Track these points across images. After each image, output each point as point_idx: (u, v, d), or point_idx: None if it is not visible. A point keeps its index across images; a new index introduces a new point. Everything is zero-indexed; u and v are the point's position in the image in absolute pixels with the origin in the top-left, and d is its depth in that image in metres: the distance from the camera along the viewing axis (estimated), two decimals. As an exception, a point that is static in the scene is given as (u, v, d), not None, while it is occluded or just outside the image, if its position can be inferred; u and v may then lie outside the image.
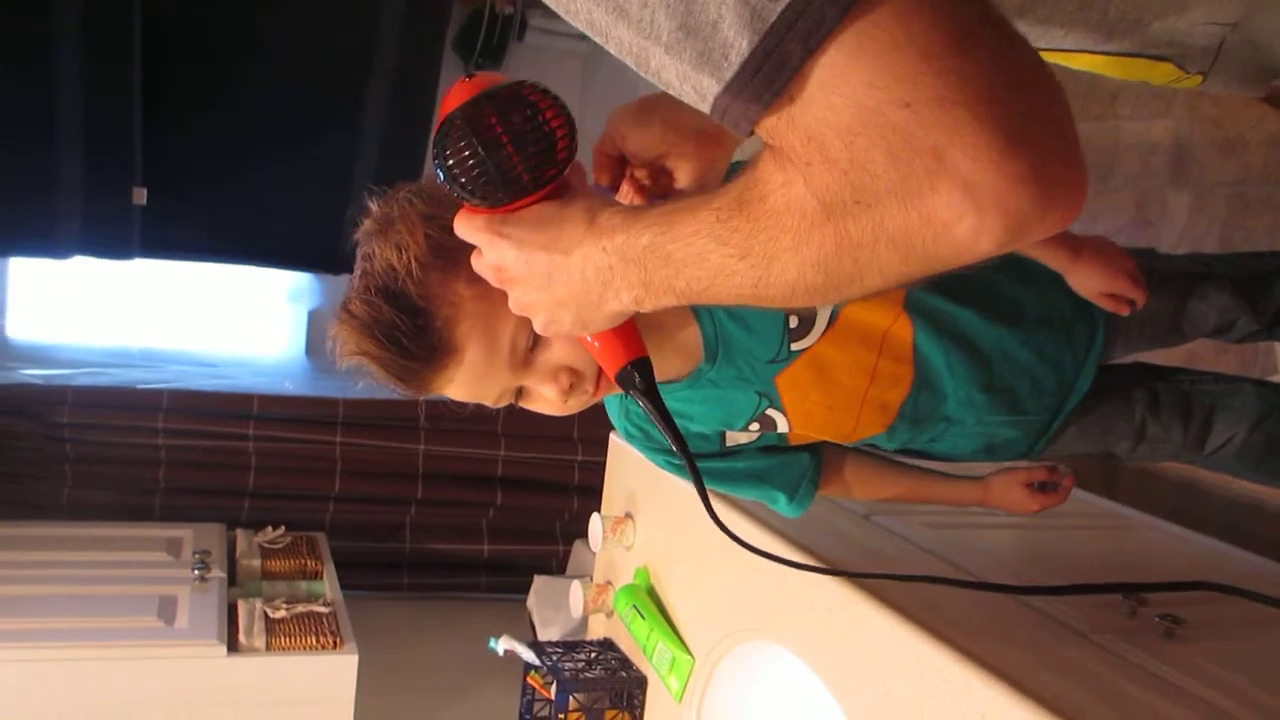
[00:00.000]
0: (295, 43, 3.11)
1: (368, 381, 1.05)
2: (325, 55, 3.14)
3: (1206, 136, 2.54)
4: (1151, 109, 2.67)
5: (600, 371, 1.05)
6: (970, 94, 0.50)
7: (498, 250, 0.78)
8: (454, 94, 0.76)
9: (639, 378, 0.87)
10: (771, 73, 0.52)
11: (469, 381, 1.03)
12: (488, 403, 1.06)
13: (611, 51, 0.58)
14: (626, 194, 0.96)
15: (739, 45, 0.52)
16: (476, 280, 0.89)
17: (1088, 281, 1.28)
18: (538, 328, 0.80)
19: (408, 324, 0.98)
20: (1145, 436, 1.40)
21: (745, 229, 0.60)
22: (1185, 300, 1.42)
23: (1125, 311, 1.30)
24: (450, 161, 0.74)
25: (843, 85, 0.51)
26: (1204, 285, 1.42)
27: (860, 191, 0.53)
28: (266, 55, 3.10)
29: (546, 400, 1.06)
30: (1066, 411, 1.35)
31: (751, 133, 0.56)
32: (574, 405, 1.07)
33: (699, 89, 0.55)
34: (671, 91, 0.58)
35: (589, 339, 0.87)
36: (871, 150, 0.51)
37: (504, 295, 0.96)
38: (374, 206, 1.04)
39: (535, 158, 0.74)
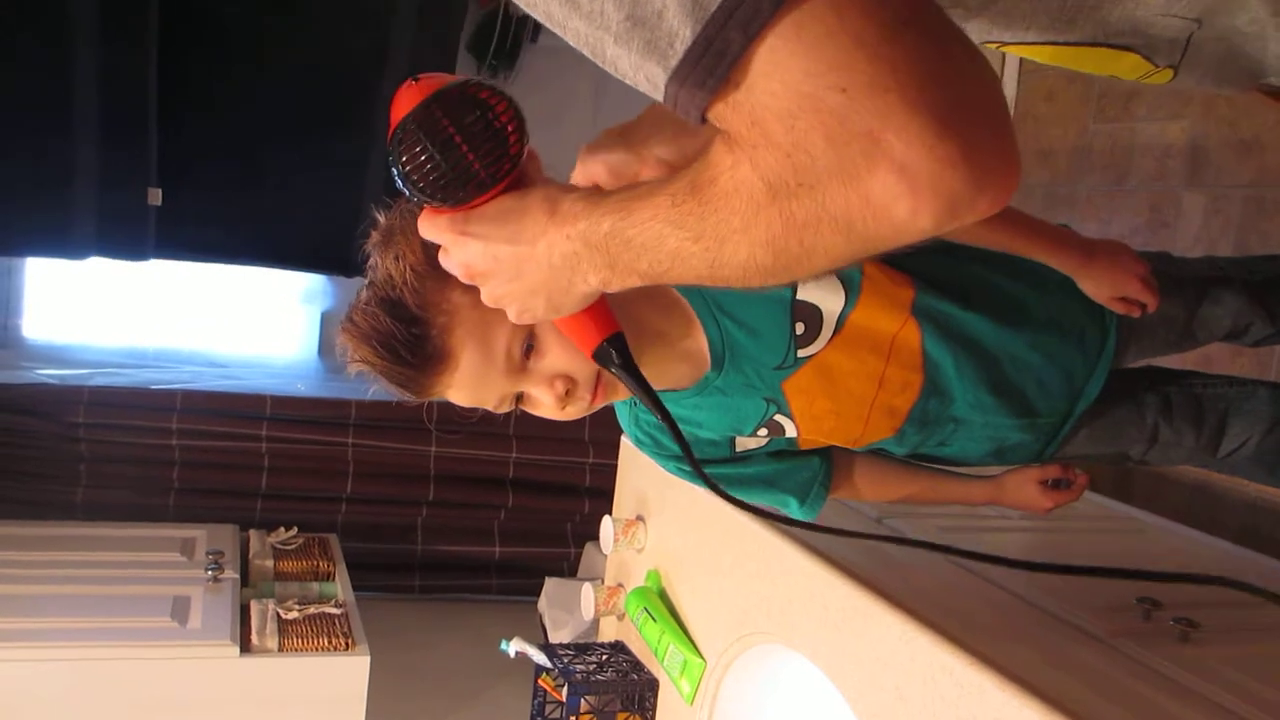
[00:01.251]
0: (309, 44, 3.12)
1: (378, 390, 1.09)
2: (339, 57, 3.14)
3: (1222, 138, 2.53)
4: (1167, 110, 2.66)
5: (597, 379, 1.07)
6: (902, 80, 0.52)
7: (464, 249, 0.80)
8: (402, 98, 0.77)
9: (615, 353, 0.88)
10: (714, 60, 0.54)
11: (466, 387, 1.06)
12: (489, 407, 1.09)
13: (570, 42, 0.60)
14: None
15: (683, 34, 0.54)
16: (472, 289, 0.90)
17: (1100, 285, 1.27)
18: (512, 317, 0.82)
19: (404, 333, 1.01)
20: (1157, 440, 1.39)
21: (698, 212, 0.62)
22: (1199, 304, 1.41)
23: (1137, 314, 1.29)
24: (408, 167, 0.76)
25: (782, 72, 0.53)
26: (1218, 289, 1.41)
27: (802, 173, 0.55)
28: (281, 57, 3.10)
29: (545, 405, 1.08)
30: (1077, 415, 1.34)
31: (703, 120, 0.58)
32: (572, 412, 1.09)
33: (650, 78, 0.57)
34: (627, 80, 0.59)
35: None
36: (811, 133, 0.53)
37: None
38: (380, 219, 1.07)
39: (489, 154, 0.76)
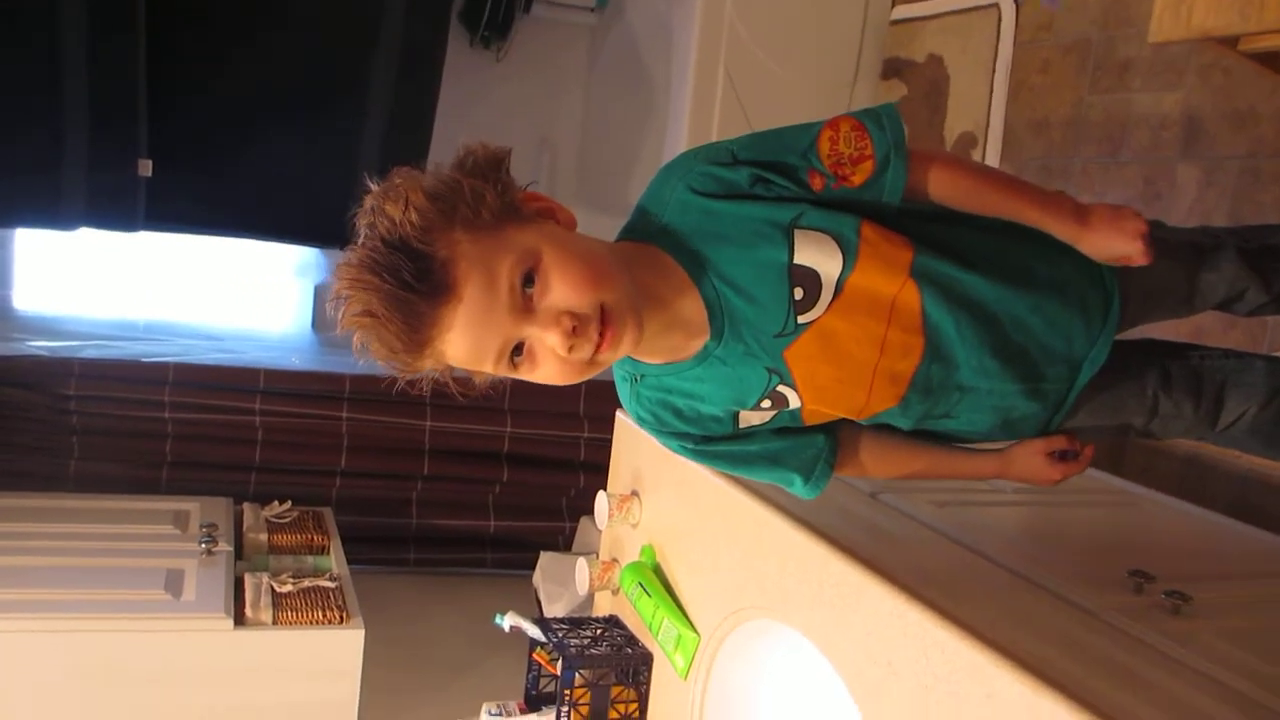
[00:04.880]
0: (301, 14, 3.09)
1: (366, 338, 1.06)
2: (331, 27, 3.12)
3: (1217, 109, 2.51)
4: (1162, 81, 2.64)
5: (603, 315, 1.06)
6: None
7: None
8: None
9: None
10: None
11: (470, 326, 1.04)
12: (488, 363, 1.08)
13: None
14: None
15: None
16: (474, 229, 0.97)
17: (1096, 248, 1.26)
18: None
19: (409, 263, 1.02)
20: (1157, 413, 1.39)
21: None
22: (1194, 270, 1.40)
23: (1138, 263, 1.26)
24: None
25: None
26: (1213, 255, 1.41)
27: None
28: (272, 27, 3.08)
29: (548, 350, 1.07)
30: (1082, 383, 1.33)
31: None
32: (576, 359, 1.07)
33: None
34: None
35: None
36: None
37: (499, 242, 1.05)
38: (374, 186, 1.08)
39: None
